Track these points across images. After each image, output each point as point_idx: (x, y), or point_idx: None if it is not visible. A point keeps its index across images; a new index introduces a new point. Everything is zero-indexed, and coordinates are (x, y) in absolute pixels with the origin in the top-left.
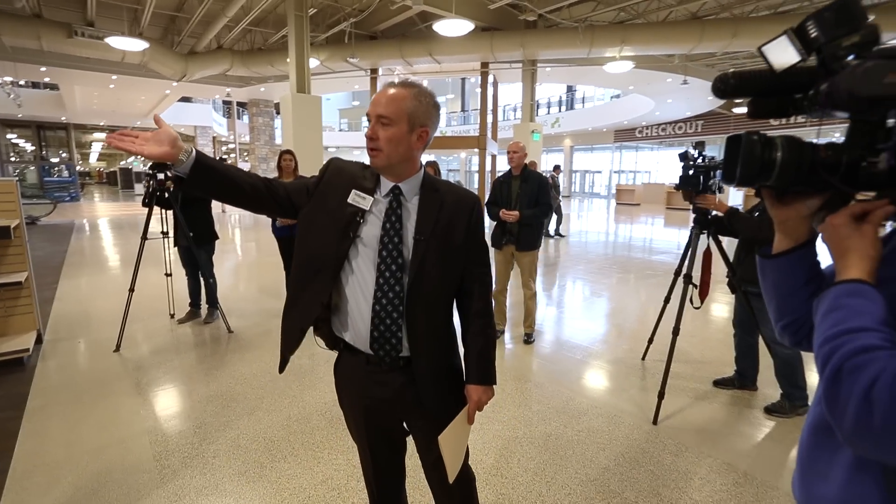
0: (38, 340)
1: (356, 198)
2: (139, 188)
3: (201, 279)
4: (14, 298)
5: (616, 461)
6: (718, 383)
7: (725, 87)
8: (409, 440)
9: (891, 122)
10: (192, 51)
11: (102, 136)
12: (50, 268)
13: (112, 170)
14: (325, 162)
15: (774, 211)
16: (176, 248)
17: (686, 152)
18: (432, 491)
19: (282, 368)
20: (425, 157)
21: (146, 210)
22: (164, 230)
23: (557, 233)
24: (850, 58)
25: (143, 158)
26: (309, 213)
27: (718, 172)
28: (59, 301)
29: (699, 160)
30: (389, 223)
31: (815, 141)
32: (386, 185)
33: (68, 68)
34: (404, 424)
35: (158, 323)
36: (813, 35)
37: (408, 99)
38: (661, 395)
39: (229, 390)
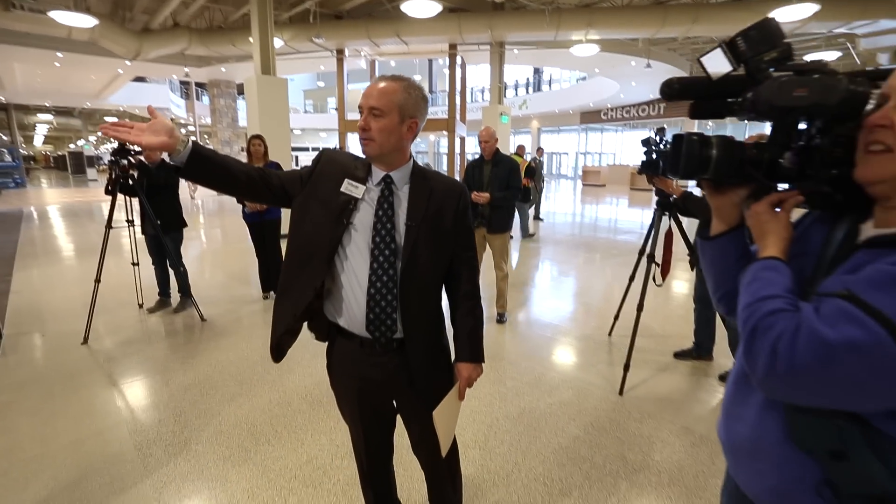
0: None
1: (349, 186)
2: (92, 173)
3: (170, 268)
4: None
5: (585, 430)
6: (678, 355)
7: (671, 91)
8: (398, 419)
9: (802, 125)
10: (146, 28)
11: (48, 117)
12: (1, 258)
13: (60, 153)
14: (318, 153)
15: (711, 199)
16: (144, 237)
17: (648, 138)
18: (420, 463)
19: (277, 357)
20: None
21: (108, 198)
22: (129, 218)
23: (524, 234)
24: (771, 70)
25: (95, 142)
26: (302, 202)
27: None
28: (15, 294)
29: (660, 146)
30: (382, 210)
31: (743, 140)
32: (377, 174)
33: (7, 44)
34: (394, 403)
35: (126, 313)
36: (741, 49)
37: (398, 92)
38: (626, 368)
39: (207, 378)
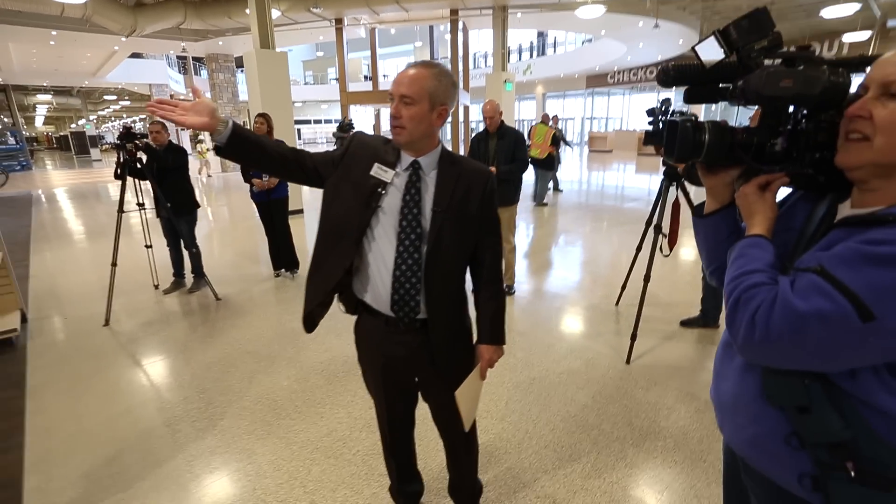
0: (23, 319)
1: (378, 170)
2: (95, 153)
3: (183, 249)
4: None
5: (594, 398)
6: (685, 323)
7: (667, 78)
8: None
9: (790, 109)
10: (140, 2)
11: (48, 97)
12: (17, 244)
13: (62, 134)
14: (351, 135)
15: (705, 180)
16: (158, 220)
17: (653, 108)
18: (440, 432)
19: (309, 327)
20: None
21: (115, 179)
22: (140, 202)
23: (539, 200)
24: (761, 58)
25: (96, 121)
26: (334, 183)
27: None
28: (34, 278)
29: (666, 116)
30: (409, 195)
31: (733, 125)
32: (406, 159)
33: (0, 24)
34: (416, 379)
35: (143, 295)
36: (733, 37)
37: (429, 79)
38: (633, 337)
39: (226, 356)
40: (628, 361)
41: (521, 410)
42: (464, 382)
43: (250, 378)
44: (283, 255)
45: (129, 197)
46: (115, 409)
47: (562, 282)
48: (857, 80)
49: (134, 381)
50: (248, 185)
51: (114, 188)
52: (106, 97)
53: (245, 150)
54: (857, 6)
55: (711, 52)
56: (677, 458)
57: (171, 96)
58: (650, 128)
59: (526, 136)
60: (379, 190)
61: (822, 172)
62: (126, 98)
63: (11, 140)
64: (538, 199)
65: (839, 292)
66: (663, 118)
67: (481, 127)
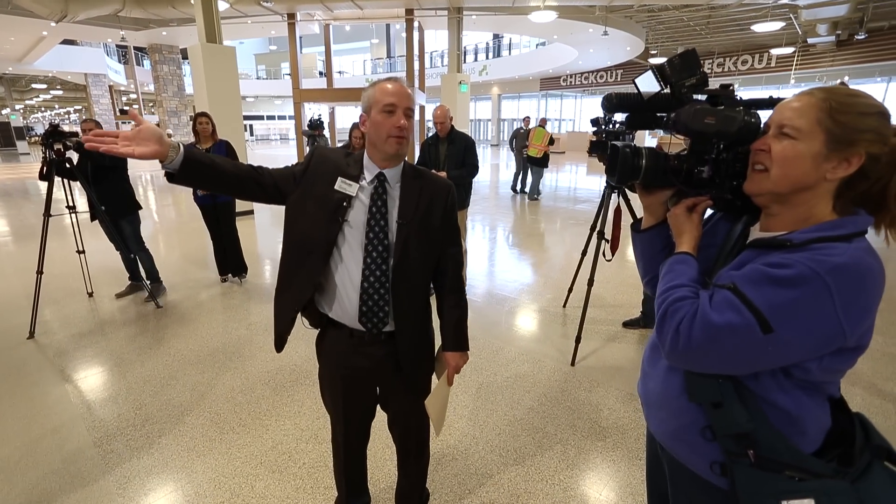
0: None
1: (342, 184)
2: (23, 146)
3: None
4: None
5: (539, 401)
6: (627, 324)
7: (610, 105)
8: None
9: (714, 140)
10: None
11: None
12: None
13: None
14: (310, 150)
15: (642, 198)
16: (100, 224)
17: (598, 118)
18: (394, 437)
19: (279, 347)
20: (350, 113)
21: (44, 182)
22: (70, 204)
23: (531, 195)
24: (688, 93)
25: (21, 111)
26: (297, 200)
27: (626, 137)
28: None
29: (609, 126)
30: (375, 207)
31: (667, 153)
32: (370, 171)
33: None
34: (376, 390)
35: (75, 304)
36: (668, 73)
37: (413, 96)
38: (577, 340)
39: (166, 368)
40: (573, 363)
41: (469, 416)
42: (432, 391)
43: (192, 390)
44: (229, 260)
45: (62, 197)
46: (38, 430)
47: (512, 284)
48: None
49: (61, 398)
50: (192, 189)
51: (44, 186)
52: (35, 85)
53: (200, 174)
54: (781, 23)
55: (653, 84)
56: (616, 456)
57: (111, 88)
58: (594, 138)
59: (526, 138)
60: (344, 204)
61: (739, 197)
62: (58, 87)
63: None
64: (531, 193)
65: (746, 307)
66: (607, 128)
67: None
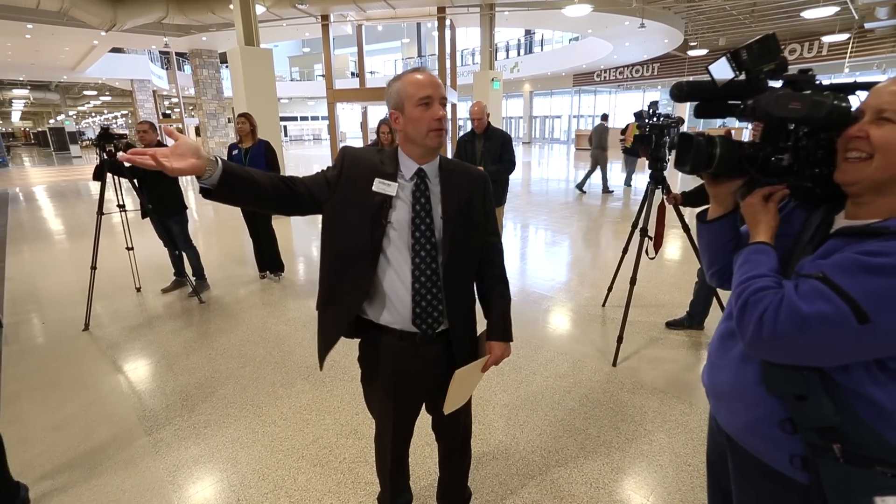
0: None
1: (380, 185)
2: (75, 150)
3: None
4: None
5: (580, 402)
6: (671, 324)
7: (680, 93)
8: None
9: (791, 126)
10: None
11: (24, 92)
12: None
13: (41, 129)
14: (339, 151)
15: (711, 188)
16: (151, 221)
17: (640, 111)
18: (437, 437)
19: (322, 366)
20: (379, 111)
21: (97, 182)
22: (120, 203)
23: (627, 182)
24: (768, 80)
25: (74, 117)
26: (335, 207)
27: (671, 130)
28: (11, 280)
29: (653, 119)
30: (419, 205)
31: (742, 140)
32: (409, 167)
33: None
34: (425, 390)
35: (125, 298)
36: (744, 59)
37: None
38: (619, 340)
39: (210, 361)
40: (615, 364)
41: (509, 415)
42: (467, 366)
43: (235, 383)
44: (267, 258)
45: (112, 197)
46: (94, 417)
47: (548, 283)
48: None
49: (115, 388)
50: None
51: (95, 187)
52: (86, 92)
53: (238, 189)
54: (836, 8)
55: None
56: (663, 461)
57: (154, 93)
58: (638, 131)
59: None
60: (386, 204)
61: (819, 186)
62: (107, 93)
63: None
64: (627, 181)
65: (839, 297)
66: (651, 121)
67: (469, 125)
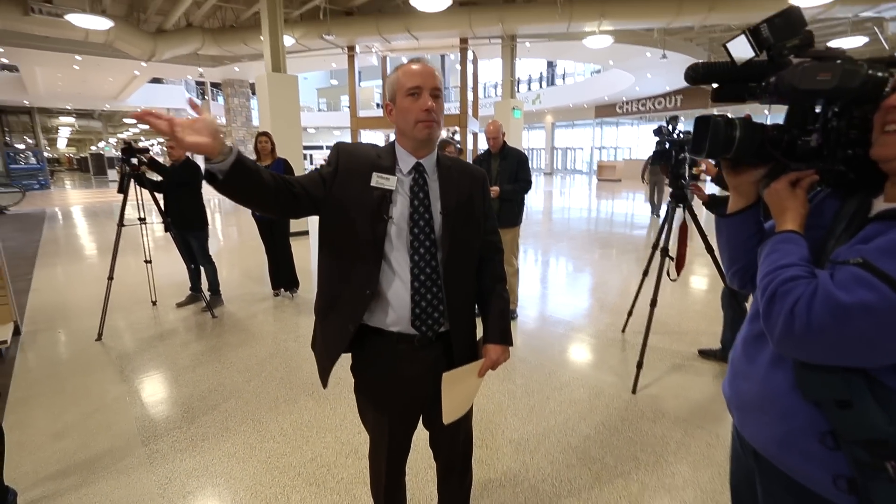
0: (16, 332)
1: (379, 179)
2: (112, 174)
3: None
4: None
5: (596, 429)
6: (703, 353)
7: (696, 75)
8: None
9: (818, 109)
10: (161, 29)
11: (70, 119)
12: (23, 258)
13: (83, 156)
14: (332, 148)
15: (730, 178)
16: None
17: (660, 127)
18: (435, 455)
19: (326, 382)
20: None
21: (122, 196)
22: (141, 216)
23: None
24: (792, 56)
25: (116, 143)
26: (332, 205)
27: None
28: (35, 292)
29: (673, 135)
30: (418, 200)
31: (764, 122)
32: (407, 161)
33: (27, 48)
34: (424, 399)
35: (140, 311)
36: (764, 36)
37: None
38: (639, 366)
39: (215, 374)
40: (634, 391)
41: (518, 440)
42: (457, 369)
43: (238, 397)
44: (282, 274)
45: (135, 210)
46: (94, 425)
47: (566, 308)
48: None
49: (118, 398)
50: None
51: (130, 209)
52: (125, 120)
53: (245, 180)
54: (864, 39)
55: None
56: (686, 497)
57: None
58: (657, 147)
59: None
60: (386, 199)
61: (853, 169)
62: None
63: (33, 160)
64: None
65: (884, 283)
66: (670, 137)
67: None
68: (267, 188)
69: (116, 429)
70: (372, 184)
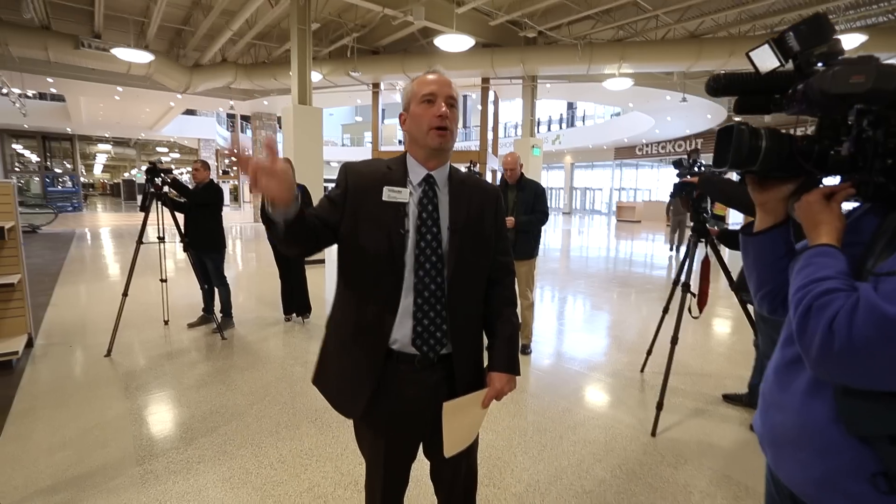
0: (30, 344)
1: (391, 193)
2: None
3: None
4: (6, 301)
5: (613, 473)
6: (729, 398)
7: (717, 86)
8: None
9: (851, 118)
10: (197, 63)
11: (107, 147)
12: (48, 274)
13: (116, 181)
14: (339, 169)
15: (756, 195)
16: (186, 254)
17: (680, 160)
18: (436, 490)
19: (354, 412)
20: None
21: (154, 220)
22: (160, 235)
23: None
24: (819, 65)
25: (145, 170)
26: (349, 227)
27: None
28: (53, 306)
29: (693, 168)
30: (426, 213)
31: (791, 132)
32: (416, 174)
33: (75, 79)
34: (424, 426)
35: (152, 329)
36: (790, 44)
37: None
38: (659, 407)
39: (219, 396)
40: (654, 434)
41: (528, 480)
42: (459, 398)
43: (239, 420)
44: (295, 299)
45: (155, 229)
46: (91, 442)
47: (582, 345)
48: None
49: (119, 414)
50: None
51: (152, 230)
52: (158, 149)
53: (303, 229)
54: None
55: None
56: None
57: (217, 151)
58: (678, 179)
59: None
60: (402, 212)
61: (894, 181)
62: (176, 150)
63: (69, 183)
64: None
65: None
66: (689, 170)
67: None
68: (312, 233)
69: (113, 446)
70: (384, 198)
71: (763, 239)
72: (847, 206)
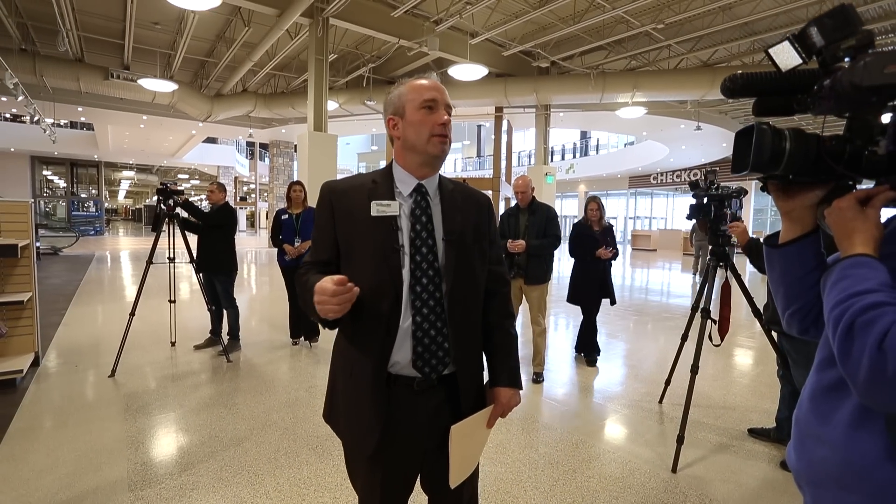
0: (36, 363)
1: (380, 208)
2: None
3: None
4: (15, 319)
5: None
6: (754, 432)
7: (734, 86)
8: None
9: (885, 118)
10: (219, 93)
11: (131, 173)
12: (63, 294)
13: (138, 207)
14: (319, 192)
15: (781, 203)
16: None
17: (696, 181)
18: None
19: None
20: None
21: (171, 244)
22: (171, 255)
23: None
24: (847, 60)
25: (156, 191)
26: (345, 254)
27: (733, 202)
28: (64, 326)
29: (710, 190)
30: (420, 224)
31: (817, 133)
32: (405, 184)
33: (103, 108)
34: (422, 454)
35: (158, 350)
36: (814, 40)
37: None
38: (680, 440)
39: (219, 420)
40: (674, 470)
41: None
42: (466, 420)
43: (238, 445)
44: (303, 323)
45: (170, 249)
46: (85, 464)
47: (598, 375)
48: None
49: (117, 437)
50: (277, 251)
51: (168, 251)
52: (179, 176)
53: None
54: None
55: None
56: None
57: (236, 179)
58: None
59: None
60: (394, 226)
61: None
62: (196, 177)
63: (93, 208)
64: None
65: None
66: (707, 192)
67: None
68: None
69: (106, 470)
70: (373, 214)
71: (790, 251)
72: (886, 212)
